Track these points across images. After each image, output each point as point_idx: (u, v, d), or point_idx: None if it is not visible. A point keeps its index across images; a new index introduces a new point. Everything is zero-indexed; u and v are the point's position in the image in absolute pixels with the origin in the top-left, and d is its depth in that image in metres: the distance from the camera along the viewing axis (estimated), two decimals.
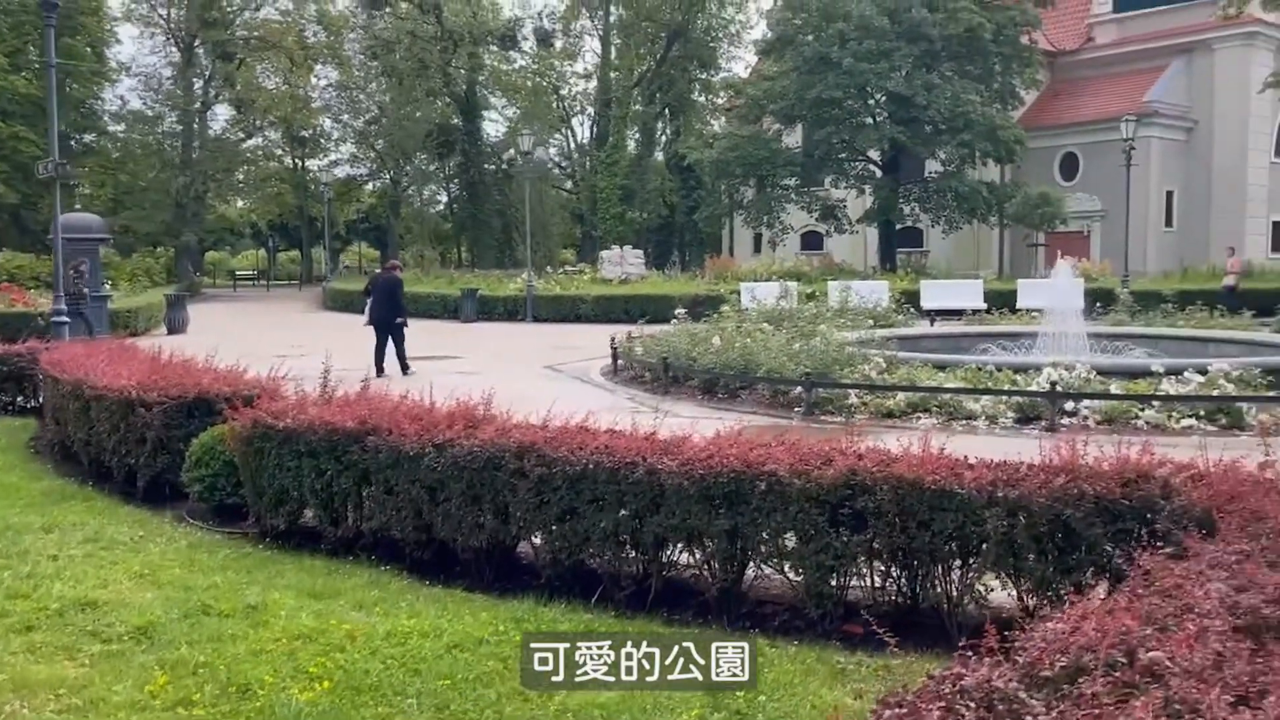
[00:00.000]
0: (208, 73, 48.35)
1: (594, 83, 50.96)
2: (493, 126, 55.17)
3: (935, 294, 25.98)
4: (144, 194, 42.88)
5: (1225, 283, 26.09)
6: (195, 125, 49.10)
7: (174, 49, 48.56)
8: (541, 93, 55.04)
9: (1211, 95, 39.18)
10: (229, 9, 48.88)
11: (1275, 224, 40.91)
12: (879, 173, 35.84)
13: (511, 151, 47.53)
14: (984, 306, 24.10)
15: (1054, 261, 32.70)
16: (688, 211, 47.57)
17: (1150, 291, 25.23)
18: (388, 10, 46.12)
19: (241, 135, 52.98)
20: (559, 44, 52.14)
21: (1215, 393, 9.95)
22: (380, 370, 14.75)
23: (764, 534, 4.70)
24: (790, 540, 4.69)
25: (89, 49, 37.91)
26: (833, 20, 32.86)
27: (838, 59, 32.12)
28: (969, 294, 25.88)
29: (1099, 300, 23.41)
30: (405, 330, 15.48)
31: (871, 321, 18.46)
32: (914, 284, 26.84)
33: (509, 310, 27.33)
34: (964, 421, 10.33)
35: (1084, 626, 2.61)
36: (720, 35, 51.02)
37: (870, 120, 34.19)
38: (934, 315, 23.47)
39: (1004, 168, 38.29)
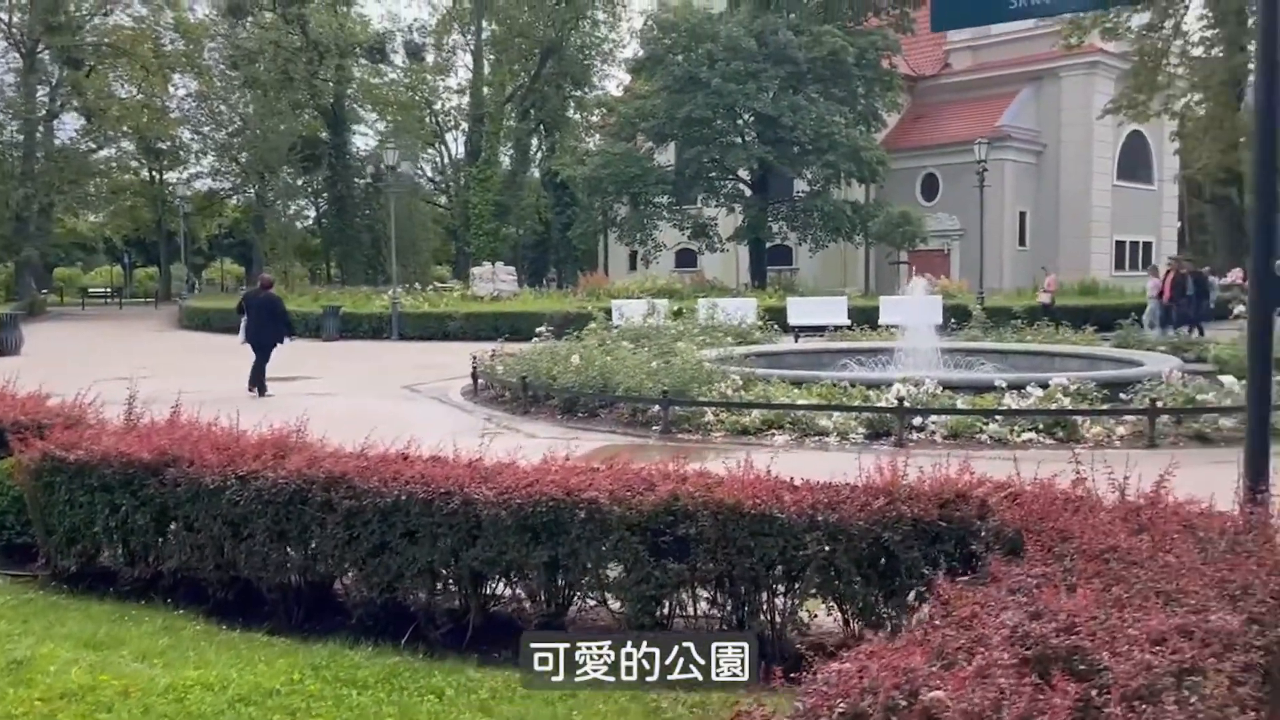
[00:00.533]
0: (53, 80, 45.70)
1: (467, 98, 50.34)
2: (363, 140, 54.00)
3: (801, 311, 26.42)
4: None
5: (1041, 300, 27.34)
6: (39, 135, 46.36)
7: (15, 55, 45.82)
8: (413, 107, 54.06)
9: (1059, 121, 41.28)
10: (76, 14, 46.40)
11: (1118, 244, 43.28)
12: (748, 192, 36.42)
13: (382, 165, 46.51)
14: (848, 323, 24.62)
15: (921, 277, 33.94)
16: (563, 228, 47.39)
17: (1003, 308, 26.25)
18: (250, 19, 44.56)
19: (91, 146, 50.26)
20: (431, 58, 51.37)
21: (1053, 406, 10.26)
22: (263, 389, 14.46)
23: (586, 564, 4.48)
24: (613, 570, 4.49)
25: None
26: (701, 41, 33.31)
27: (706, 79, 32.54)
28: (833, 311, 26.39)
29: (955, 316, 24.31)
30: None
31: (735, 339, 18.59)
32: (782, 301, 27.25)
33: (374, 328, 26.56)
34: (816, 438, 10.38)
35: (870, 666, 2.47)
36: (594, 53, 51.14)
37: (739, 140, 34.71)
38: (799, 332, 23.84)
39: (868, 188, 39.45)
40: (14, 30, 43.47)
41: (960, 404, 10.66)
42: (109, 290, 61.08)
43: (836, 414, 10.52)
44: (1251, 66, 20.60)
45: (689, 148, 34.71)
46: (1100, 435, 9.89)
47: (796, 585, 4.36)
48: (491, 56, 50.66)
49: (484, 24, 50.33)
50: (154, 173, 57.03)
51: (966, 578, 3.64)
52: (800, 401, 10.85)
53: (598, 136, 47.56)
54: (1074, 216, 41.55)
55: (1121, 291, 32.73)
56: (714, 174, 35.34)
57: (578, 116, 53.18)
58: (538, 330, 16.21)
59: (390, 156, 30.40)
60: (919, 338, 15.28)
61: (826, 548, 4.19)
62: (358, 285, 40.26)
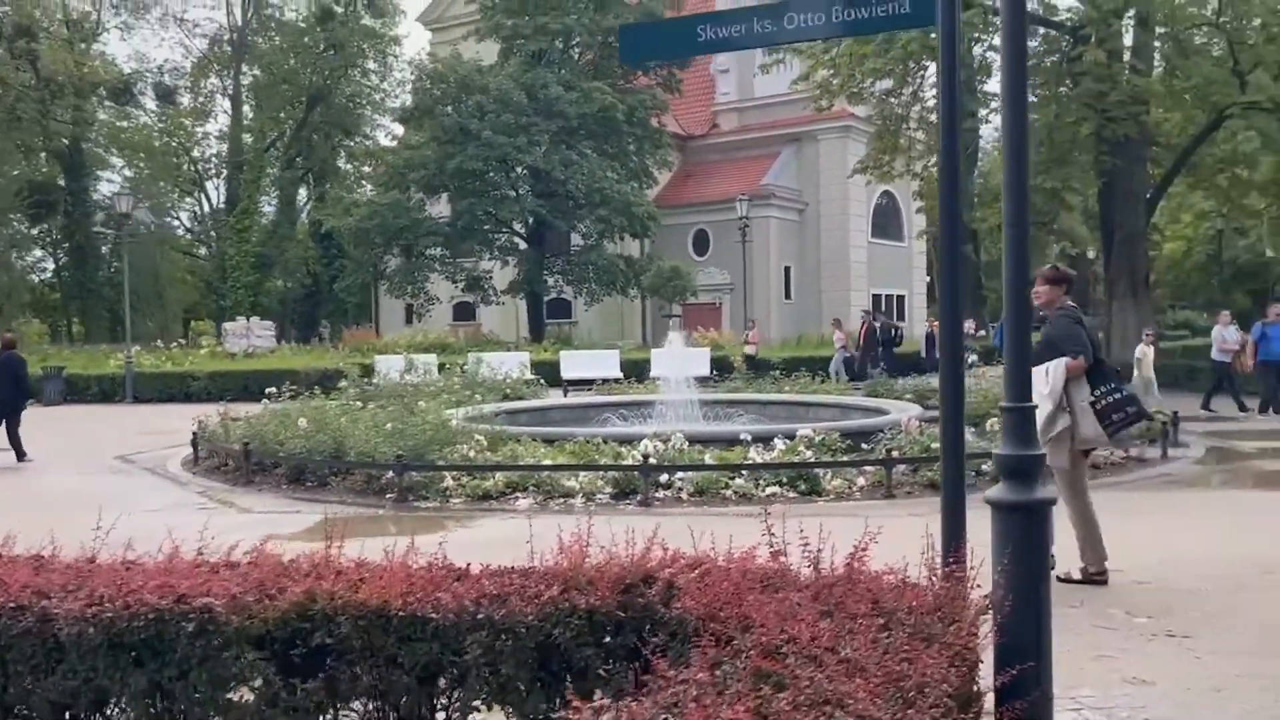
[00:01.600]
0: None
1: (227, 144, 47.63)
2: (110, 187, 49.90)
3: (574, 364, 26.10)
4: None
5: (745, 351, 28.29)
6: None
7: None
8: (169, 153, 50.60)
9: (818, 181, 43.53)
10: None
11: (875, 296, 45.87)
12: (523, 245, 36.04)
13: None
14: (618, 375, 24.50)
15: (693, 330, 34.53)
16: (331, 281, 45.36)
17: (764, 360, 26.96)
18: None
19: None
20: (186, 101, 48.27)
21: (796, 459, 10.16)
22: (21, 454, 13.73)
23: (197, 688, 3.63)
24: (237, 694, 3.66)
25: None
26: (471, 93, 32.86)
27: (477, 131, 32.06)
28: (606, 364, 26.22)
29: (721, 369, 24.71)
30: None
31: (500, 395, 17.92)
32: (556, 355, 26.85)
33: (105, 390, 24.03)
34: (561, 500, 9.82)
35: None
36: (364, 102, 49.72)
37: (513, 193, 34.35)
38: (568, 386, 23.45)
39: (642, 242, 40.05)
40: None
41: (709, 458, 10.40)
42: None
43: (583, 474, 10.00)
44: (984, 130, 21.92)
45: (462, 200, 34.01)
46: (842, 487, 9.85)
47: (457, 693, 3.69)
48: (253, 102, 48.25)
49: (245, 69, 47.99)
50: None
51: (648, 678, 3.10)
52: (545, 462, 10.27)
53: (370, 187, 46.08)
54: (834, 271, 43.75)
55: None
56: (488, 227, 34.79)
57: (349, 166, 51.43)
58: (268, 391, 14.88)
59: (124, 203, 27.84)
60: (680, 390, 15.13)
61: (491, 650, 3.55)
62: (98, 344, 36.75)
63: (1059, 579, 6.02)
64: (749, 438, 10.82)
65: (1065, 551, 6.22)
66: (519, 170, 33.53)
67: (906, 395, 17.98)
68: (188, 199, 54.73)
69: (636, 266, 35.55)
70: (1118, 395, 6.18)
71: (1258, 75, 19.33)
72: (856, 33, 3.71)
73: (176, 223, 55.94)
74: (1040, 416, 5.62)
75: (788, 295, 43.71)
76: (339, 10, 47.08)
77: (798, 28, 3.99)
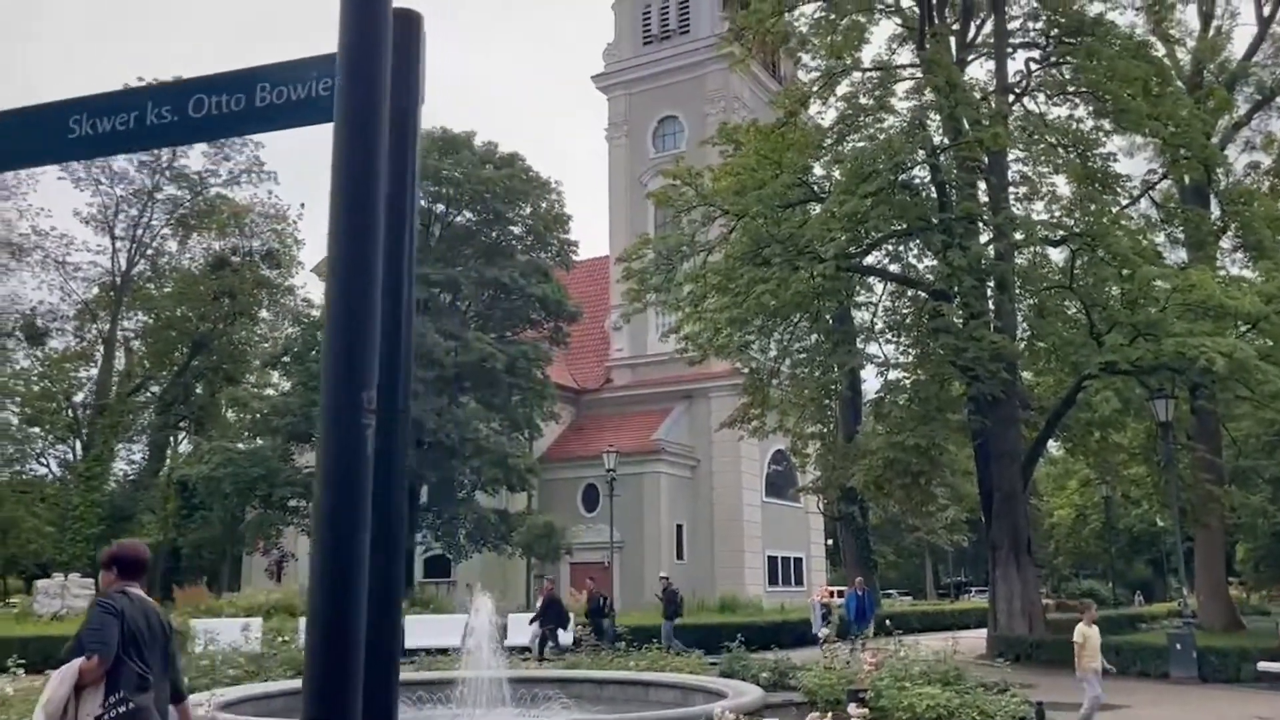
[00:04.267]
0: None
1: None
2: None
3: (418, 630, 23.41)
4: None
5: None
6: None
7: None
8: (48, 397, 48.31)
9: (709, 437, 42.77)
10: None
11: (770, 558, 44.11)
12: None
13: None
14: (459, 645, 21.94)
15: (580, 588, 32.09)
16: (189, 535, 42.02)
17: (643, 626, 24.57)
18: None
19: None
20: (57, 345, 46.46)
21: None
22: None
23: None
24: None
25: None
26: None
27: None
28: (451, 630, 23.59)
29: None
30: None
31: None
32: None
33: None
34: None
35: None
36: (254, 351, 48.42)
37: None
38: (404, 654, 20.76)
39: (530, 497, 38.21)
40: None
41: None
42: None
43: None
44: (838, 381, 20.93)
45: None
46: None
47: None
48: (136, 346, 46.68)
49: (130, 313, 46.79)
50: None
51: None
52: None
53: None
54: (728, 531, 42.13)
55: (760, 608, 32.51)
56: None
57: (233, 415, 49.33)
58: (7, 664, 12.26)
59: None
60: (482, 665, 12.93)
61: None
62: None
63: None
64: None
65: None
66: None
67: (764, 674, 15.91)
68: (60, 445, 51.75)
69: (511, 521, 33.47)
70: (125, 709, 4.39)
71: (1113, 336, 19.13)
72: (262, 129, 2.58)
73: (43, 469, 52.53)
74: None
75: (679, 555, 41.70)
76: (235, 260, 46.74)
77: (205, 116, 2.60)
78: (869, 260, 23.17)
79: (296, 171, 54.55)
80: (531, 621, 23.03)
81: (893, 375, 22.20)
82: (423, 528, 33.73)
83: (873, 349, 23.65)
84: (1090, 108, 22.76)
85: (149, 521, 43.04)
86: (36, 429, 51.85)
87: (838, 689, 12.92)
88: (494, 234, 36.07)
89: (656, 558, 40.56)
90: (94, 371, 49.29)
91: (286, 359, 32.98)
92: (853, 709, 11.21)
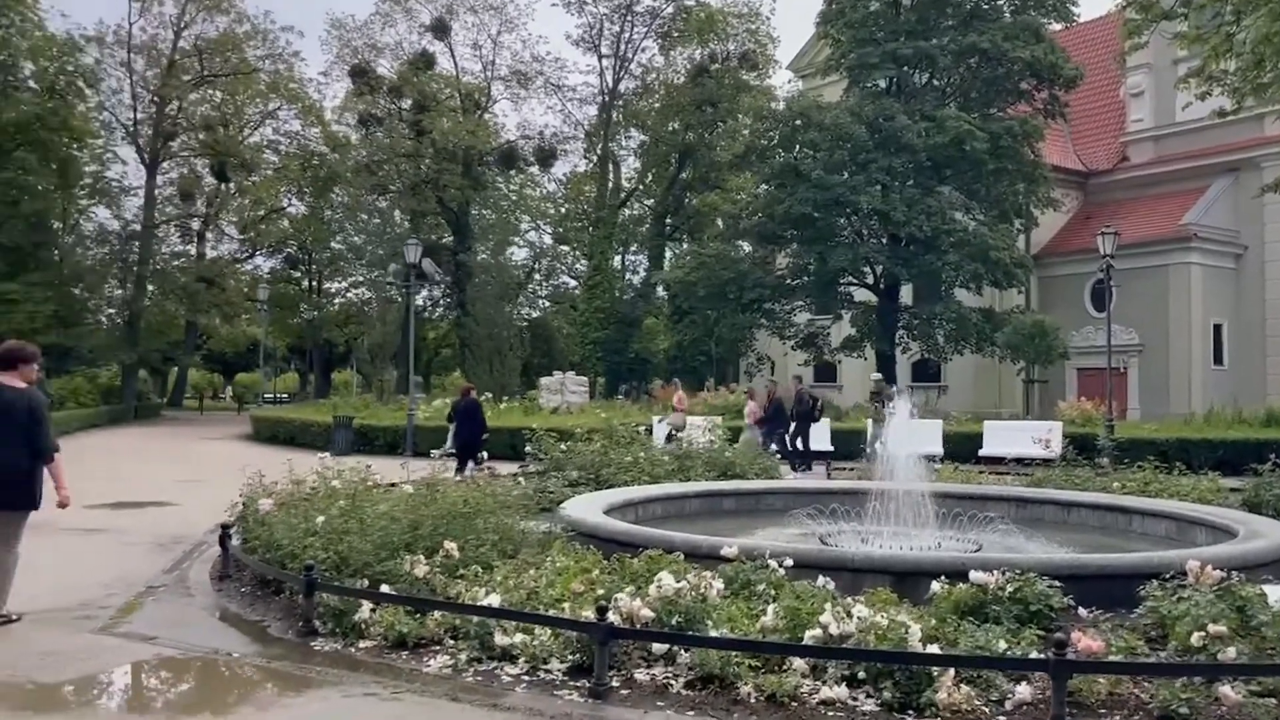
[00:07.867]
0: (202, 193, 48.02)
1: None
2: (521, 252, 53.95)
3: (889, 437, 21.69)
4: (85, 312, 41.43)
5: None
6: (193, 248, 48.73)
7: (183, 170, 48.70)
8: (572, 217, 53.42)
9: (1261, 219, 34.50)
10: (236, 133, 49.05)
11: None
12: (864, 297, 31.95)
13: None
14: (939, 452, 19.88)
15: (1078, 399, 28.13)
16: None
17: (1144, 440, 20.46)
18: (380, 131, 44.80)
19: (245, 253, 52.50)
20: (559, 168, 50.53)
21: (887, 646, 5.58)
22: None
23: None
24: None
25: (53, 166, 37.09)
26: (805, 130, 29.74)
27: (807, 171, 28.82)
28: (927, 437, 21.50)
29: (1079, 447, 18.63)
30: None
31: (724, 471, 14.54)
32: (860, 424, 22.61)
33: (390, 442, 23.90)
34: (494, 664, 6.12)
35: None
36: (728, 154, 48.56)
37: (849, 239, 30.49)
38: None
39: (1024, 294, 34.13)
40: (143, 144, 45.57)
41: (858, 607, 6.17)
42: (274, 396, 61.88)
43: (521, 633, 6.28)
44: None
45: (791, 248, 30.84)
46: (964, 702, 5.20)
47: None
48: (633, 162, 49.11)
49: (629, 130, 49.20)
50: (312, 283, 58.70)
51: None
52: (483, 603, 6.60)
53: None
54: None
55: None
56: (817, 277, 31.08)
57: (720, 223, 50.38)
58: (432, 452, 12.80)
59: (421, 260, 27.69)
60: (908, 476, 10.81)
61: None
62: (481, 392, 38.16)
63: None
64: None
65: None
66: (850, 213, 29.59)
67: None
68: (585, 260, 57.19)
69: (996, 320, 29.88)
70: None
71: None
72: None
73: (573, 282, 58.06)
74: None
75: (1217, 359, 34.94)
76: (714, 66, 46.44)
77: None
78: None
79: None
80: (757, 423, 20.47)
81: None
82: (899, 329, 31.47)
83: None
84: None
85: (650, 325, 45.84)
86: (565, 246, 57.76)
87: None
88: None
89: (1185, 363, 34.38)
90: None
91: (754, 158, 31.82)
92: None
